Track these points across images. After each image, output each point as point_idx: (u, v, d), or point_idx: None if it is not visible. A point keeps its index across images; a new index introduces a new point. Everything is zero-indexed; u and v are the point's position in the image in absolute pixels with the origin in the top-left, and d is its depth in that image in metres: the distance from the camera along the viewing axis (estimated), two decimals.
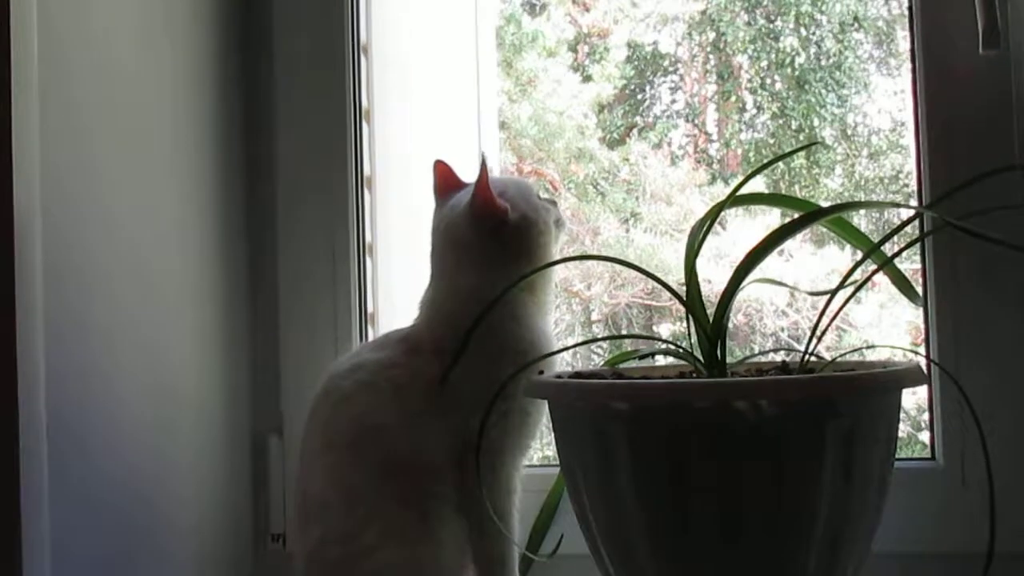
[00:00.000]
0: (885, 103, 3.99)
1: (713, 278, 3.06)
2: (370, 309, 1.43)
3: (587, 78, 4.04)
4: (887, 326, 3.42)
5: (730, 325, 1.03)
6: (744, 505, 0.88)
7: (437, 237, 1.19)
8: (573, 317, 3.82)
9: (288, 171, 1.40)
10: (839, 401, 0.88)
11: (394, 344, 1.14)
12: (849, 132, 3.95)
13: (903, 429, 1.20)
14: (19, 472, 0.91)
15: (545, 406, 1.09)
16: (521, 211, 1.16)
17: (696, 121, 4.26)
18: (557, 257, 1.22)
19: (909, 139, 3.71)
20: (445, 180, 1.23)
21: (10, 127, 0.91)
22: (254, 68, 1.42)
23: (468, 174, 1.22)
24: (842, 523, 0.89)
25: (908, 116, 3.77)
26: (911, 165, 3.70)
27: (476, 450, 1.03)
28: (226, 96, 1.37)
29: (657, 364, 1.19)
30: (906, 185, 3.67)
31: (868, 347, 1.61)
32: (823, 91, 3.88)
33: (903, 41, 3.77)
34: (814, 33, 3.99)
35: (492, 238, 1.14)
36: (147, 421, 1.17)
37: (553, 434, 1.02)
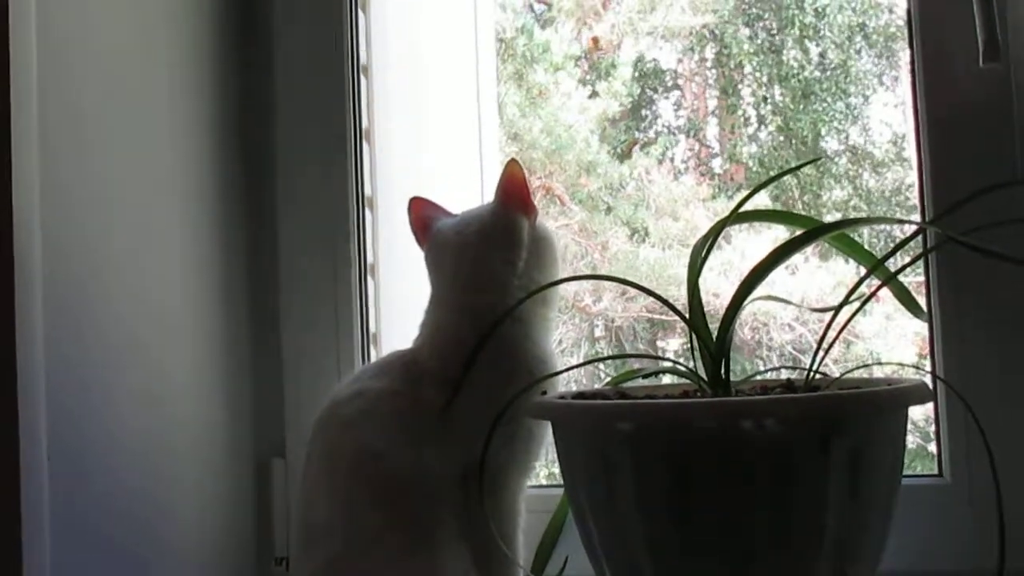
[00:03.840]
0: (886, 115, 3.99)
1: (721, 291, 3.05)
2: (372, 329, 1.42)
3: (594, 93, 4.04)
4: (893, 337, 3.41)
5: (736, 339, 1.02)
6: (750, 524, 0.87)
7: (451, 249, 1.17)
8: (578, 333, 3.81)
9: (288, 192, 1.40)
10: (845, 419, 0.87)
11: (397, 371, 1.13)
12: (853, 144, 3.95)
13: (911, 440, 1.19)
14: (20, 498, 0.91)
15: (549, 427, 1.08)
16: (543, 223, 1.19)
17: (699, 136, 4.27)
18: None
19: (910, 152, 3.71)
20: (425, 213, 1.22)
21: (10, 157, 0.91)
22: (254, 91, 1.42)
23: (471, 196, 1.22)
24: (850, 542, 0.88)
25: (906, 128, 3.79)
26: (912, 177, 3.70)
27: (480, 473, 1.02)
28: (226, 116, 1.37)
29: (661, 383, 1.19)
30: (907, 198, 3.66)
31: (874, 364, 1.60)
32: (829, 100, 3.88)
33: (901, 53, 3.77)
34: (818, 45, 3.99)
35: (519, 243, 1.14)
36: (149, 443, 1.16)
37: (557, 455, 1.02)
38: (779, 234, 3.09)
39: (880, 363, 2.18)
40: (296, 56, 1.40)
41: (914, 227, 1.10)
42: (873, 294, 1.03)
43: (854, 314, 1.01)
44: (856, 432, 0.88)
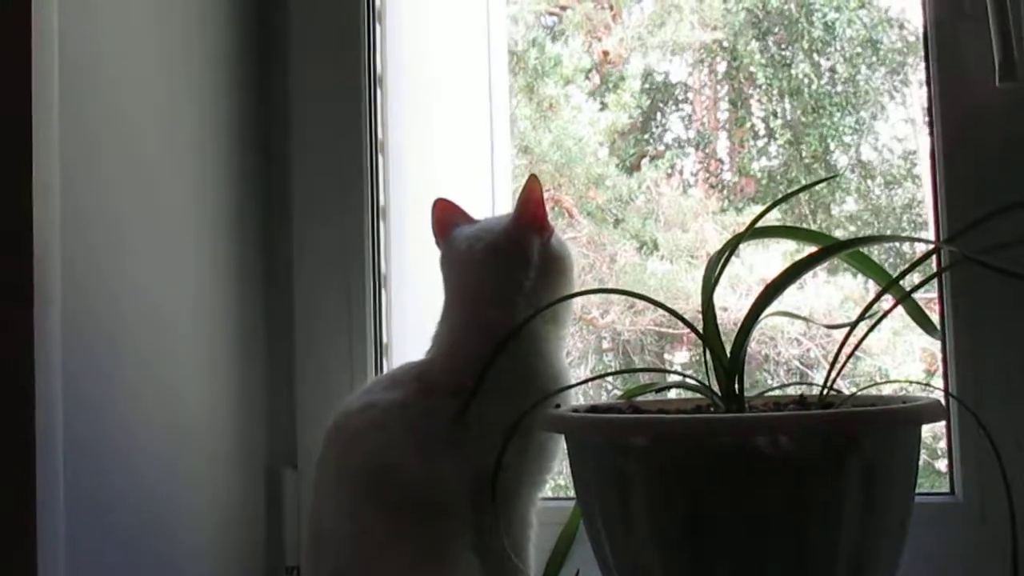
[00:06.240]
0: (896, 131, 3.99)
1: (729, 305, 3.04)
2: (385, 340, 1.43)
3: (603, 106, 4.04)
4: (900, 353, 3.40)
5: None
6: (763, 541, 0.87)
7: (462, 263, 1.17)
8: (585, 345, 3.81)
9: (304, 202, 1.40)
10: (860, 436, 0.87)
11: (408, 383, 1.13)
12: (862, 159, 3.95)
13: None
14: (36, 504, 0.91)
15: (562, 440, 1.08)
16: (559, 239, 1.18)
17: (708, 149, 4.27)
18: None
19: (919, 167, 3.71)
20: (448, 216, 1.21)
21: (31, 175, 0.92)
22: (270, 101, 1.43)
23: (479, 208, 1.22)
24: (864, 559, 0.88)
25: (915, 144, 3.78)
26: (922, 193, 3.69)
27: (492, 486, 1.02)
28: (242, 125, 1.38)
29: (672, 397, 1.19)
30: (920, 214, 3.66)
31: (884, 382, 1.60)
32: (838, 115, 3.88)
33: (911, 70, 3.77)
34: (828, 59, 3.99)
35: (527, 262, 1.14)
36: (162, 452, 1.16)
37: (570, 468, 1.02)
38: (787, 248, 3.09)
39: (889, 380, 2.18)
40: (313, 66, 1.41)
41: (928, 245, 1.10)
42: (888, 312, 1.03)
43: (869, 331, 1.01)
44: (871, 449, 0.88)
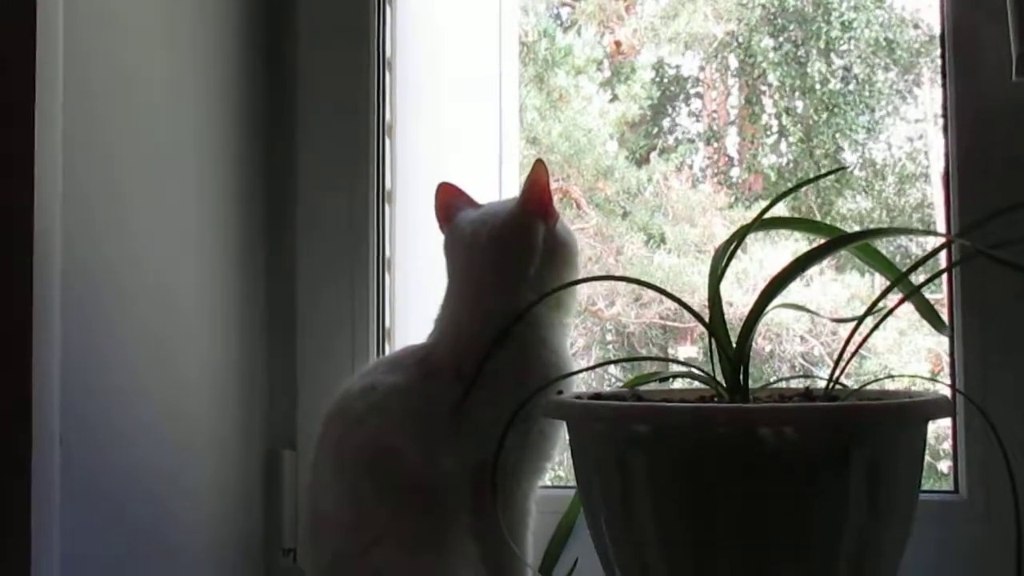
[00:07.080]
0: (908, 130, 3.97)
1: (735, 300, 3.04)
2: (387, 324, 1.42)
3: (614, 97, 4.04)
4: (906, 352, 3.39)
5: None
6: (766, 534, 0.86)
7: (465, 248, 1.16)
8: (590, 337, 3.80)
9: (309, 184, 1.40)
10: (865, 430, 0.87)
11: (410, 367, 1.12)
12: (873, 158, 3.94)
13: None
14: (31, 479, 0.91)
15: (563, 427, 1.07)
16: (564, 226, 1.17)
17: (717, 144, 4.26)
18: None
19: (931, 167, 3.69)
20: (452, 200, 1.20)
21: (33, 154, 0.91)
22: (278, 83, 1.42)
23: (486, 197, 1.22)
24: (866, 554, 0.87)
25: (926, 144, 3.77)
26: (931, 193, 3.68)
27: (492, 473, 1.01)
28: (249, 110, 1.37)
29: (676, 387, 1.18)
30: (930, 215, 3.64)
31: (887, 377, 1.59)
32: (852, 114, 3.87)
33: (924, 70, 3.76)
34: (842, 58, 3.98)
35: (532, 248, 1.13)
36: (161, 430, 1.16)
37: (571, 455, 1.01)
38: (796, 247, 3.07)
39: (893, 376, 2.16)
40: (322, 47, 1.40)
41: (939, 240, 1.09)
42: (896, 307, 1.02)
43: (876, 325, 1.00)
44: (876, 443, 0.87)
